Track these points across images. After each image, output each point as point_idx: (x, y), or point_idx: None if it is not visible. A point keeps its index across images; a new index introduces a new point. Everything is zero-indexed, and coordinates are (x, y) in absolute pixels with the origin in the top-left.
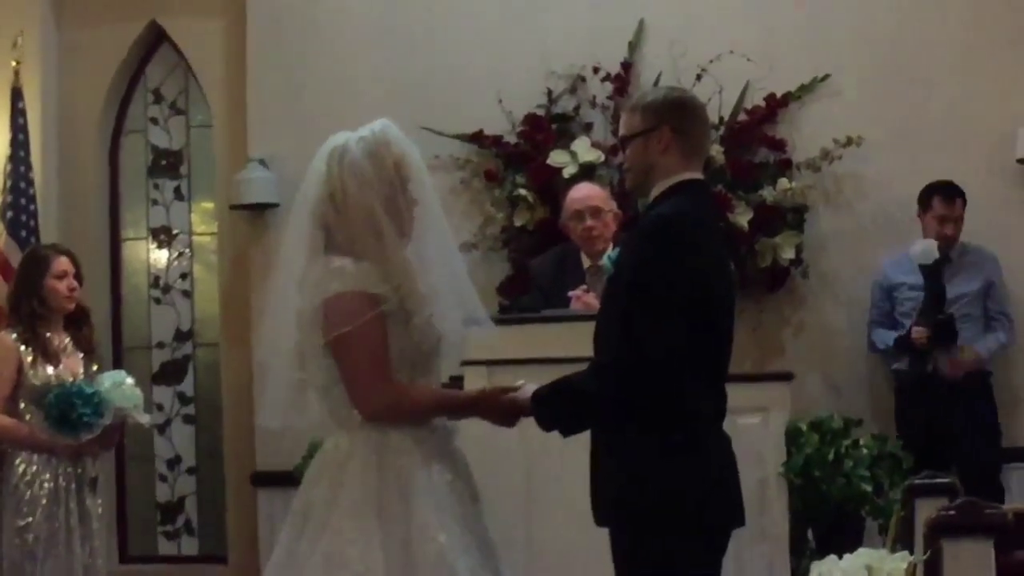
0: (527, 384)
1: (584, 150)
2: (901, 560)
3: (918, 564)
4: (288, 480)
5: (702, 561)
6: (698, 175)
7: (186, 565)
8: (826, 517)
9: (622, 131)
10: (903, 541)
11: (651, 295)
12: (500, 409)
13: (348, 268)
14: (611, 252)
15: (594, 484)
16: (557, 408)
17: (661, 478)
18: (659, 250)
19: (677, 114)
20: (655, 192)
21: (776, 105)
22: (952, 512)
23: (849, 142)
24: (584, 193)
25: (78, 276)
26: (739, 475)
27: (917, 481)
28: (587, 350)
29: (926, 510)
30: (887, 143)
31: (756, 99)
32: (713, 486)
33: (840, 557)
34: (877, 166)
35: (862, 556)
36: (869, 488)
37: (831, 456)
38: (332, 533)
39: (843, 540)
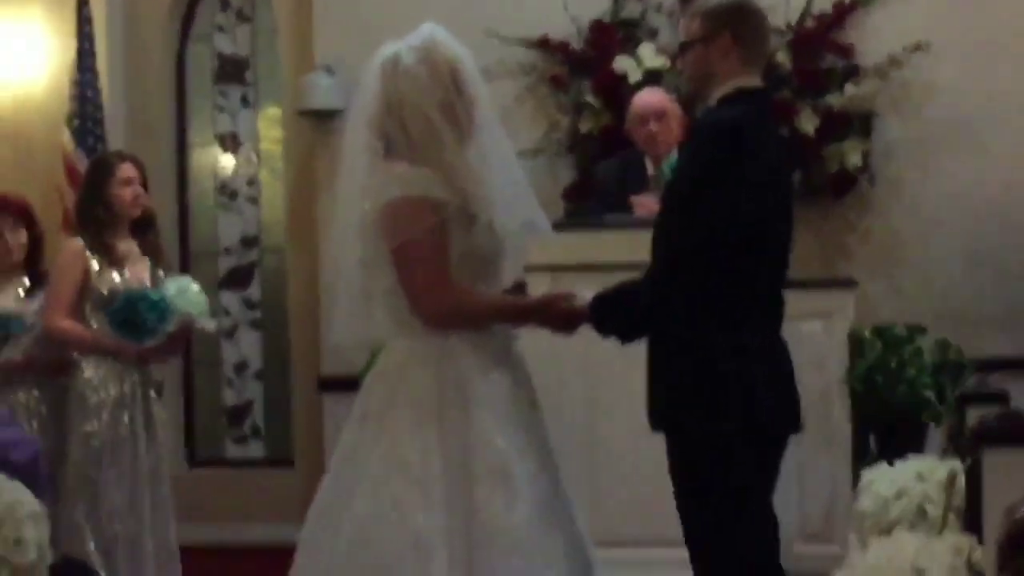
0: (586, 291)
1: (649, 56)
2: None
3: (957, 472)
4: (354, 385)
5: (757, 465)
6: (758, 82)
7: (253, 469)
8: (888, 424)
9: (682, 37)
10: (955, 449)
11: (706, 200)
12: (560, 316)
13: (408, 174)
14: (670, 159)
15: (650, 389)
16: (615, 315)
17: (715, 382)
18: (715, 155)
19: (737, 21)
20: (714, 98)
21: (844, 11)
22: (993, 421)
23: (917, 48)
24: (648, 98)
25: (144, 183)
26: (797, 381)
27: (968, 389)
28: (649, 256)
29: (975, 418)
30: (956, 50)
31: (824, 4)
32: (767, 390)
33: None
34: (945, 73)
35: (912, 464)
36: (931, 395)
37: (894, 363)
38: (391, 437)
39: (905, 447)
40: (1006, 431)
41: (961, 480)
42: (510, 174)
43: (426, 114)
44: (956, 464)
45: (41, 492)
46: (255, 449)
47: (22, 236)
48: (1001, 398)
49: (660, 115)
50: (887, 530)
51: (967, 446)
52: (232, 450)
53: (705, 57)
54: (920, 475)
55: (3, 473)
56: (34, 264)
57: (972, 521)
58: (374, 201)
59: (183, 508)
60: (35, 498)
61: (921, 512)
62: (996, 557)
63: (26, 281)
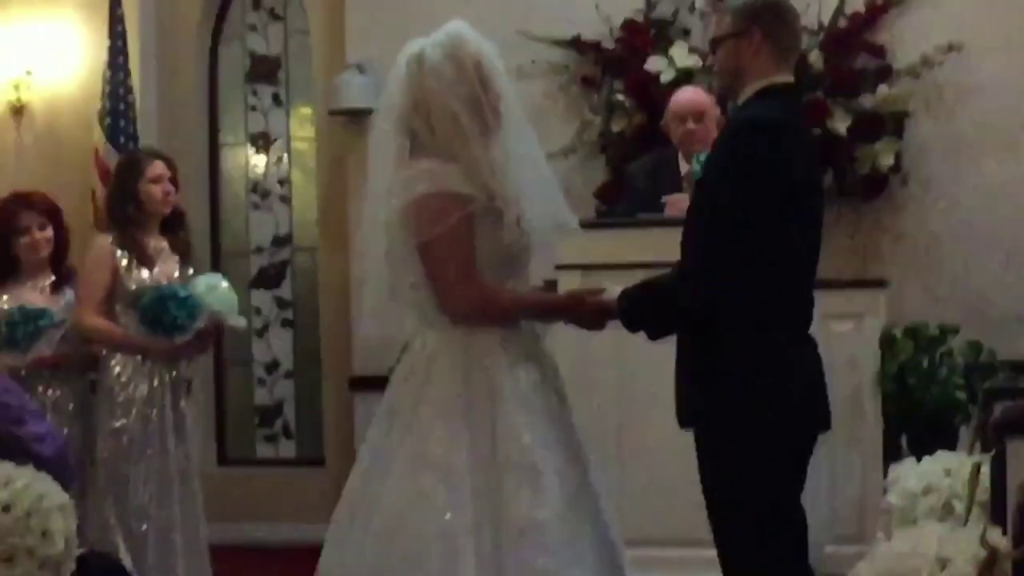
0: (614, 287)
1: (682, 56)
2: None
3: (982, 463)
4: (385, 385)
5: (785, 464)
6: (789, 79)
7: (283, 468)
8: (920, 424)
9: (713, 33)
10: (982, 443)
11: (737, 199)
12: (588, 312)
13: (435, 169)
14: (701, 156)
15: (678, 386)
16: (643, 310)
17: (744, 380)
18: (746, 153)
19: (768, 17)
20: (744, 95)
21: (877, 11)
22: (1016, 411)
23: (950, 48)
24: (689, 96)
25: (174, 180)
26: (826, 380)
27: (996, 384)
28: (680, 254)
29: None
30: (989, 50)
31: (857, 4)
32: (795, 390)
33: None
34: (979, 73)
35: (940, 459)
36: (963, 396)
37: (925, 364)
38: (418, 432)
39: (936, 447)
40: None
41: (985, 472)
42: (537, 171)
43: (451, 110)
44: (982, 457)
45: (68, 485)
46: (285, 448)
47: (48, 233)
48: None
49: (699, 115)
50: (913, 523)
51: (992, 438)
52: (262, 449)
53: (736, 53)
54: (948, 471)
55: (31, 465)
56: (60, 261)
57: (997, 512)
58: (401, 197)
59: (212, 507)
60: (63, 491)
61: (948, 508)
62: (1011, 533)
63: (52, 278)
